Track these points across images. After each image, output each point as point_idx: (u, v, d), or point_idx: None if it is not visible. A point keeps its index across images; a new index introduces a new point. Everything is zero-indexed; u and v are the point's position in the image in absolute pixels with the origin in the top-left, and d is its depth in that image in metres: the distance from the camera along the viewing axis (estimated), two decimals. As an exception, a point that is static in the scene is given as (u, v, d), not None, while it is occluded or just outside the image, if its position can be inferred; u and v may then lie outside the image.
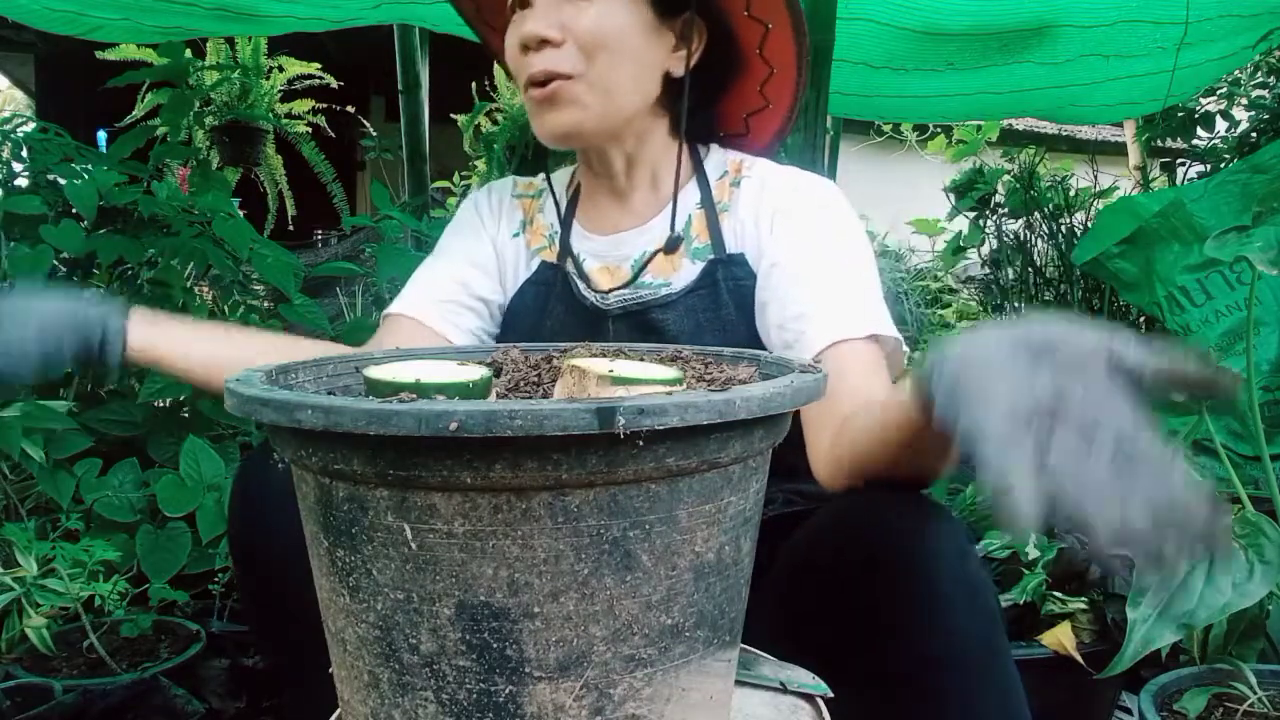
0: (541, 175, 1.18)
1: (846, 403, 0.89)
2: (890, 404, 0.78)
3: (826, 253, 1.00)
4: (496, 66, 2.61)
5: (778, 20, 1.04)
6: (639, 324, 1.04)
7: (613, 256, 1.08)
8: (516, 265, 1.14)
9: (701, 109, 1.08)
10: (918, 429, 0.71)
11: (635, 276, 1.05)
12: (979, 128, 3.63)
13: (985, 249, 3.53)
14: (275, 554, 0.84)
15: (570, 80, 0.96)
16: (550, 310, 1.09)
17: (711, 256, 1.04)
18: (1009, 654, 0.79)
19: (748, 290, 1.02)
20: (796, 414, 0.58)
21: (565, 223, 1.12)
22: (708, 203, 1.06)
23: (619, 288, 1.06)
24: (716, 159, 1.11)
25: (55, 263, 1.76)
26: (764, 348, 1.00)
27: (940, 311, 4.67)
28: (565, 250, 1.10)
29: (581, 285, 1.08)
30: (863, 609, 0.79)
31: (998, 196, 3.38)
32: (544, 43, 0.95)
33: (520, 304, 1.12)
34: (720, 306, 1.02)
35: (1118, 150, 5.43)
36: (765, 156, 1.13)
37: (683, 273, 1.05)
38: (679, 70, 1.03)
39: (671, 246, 1.04)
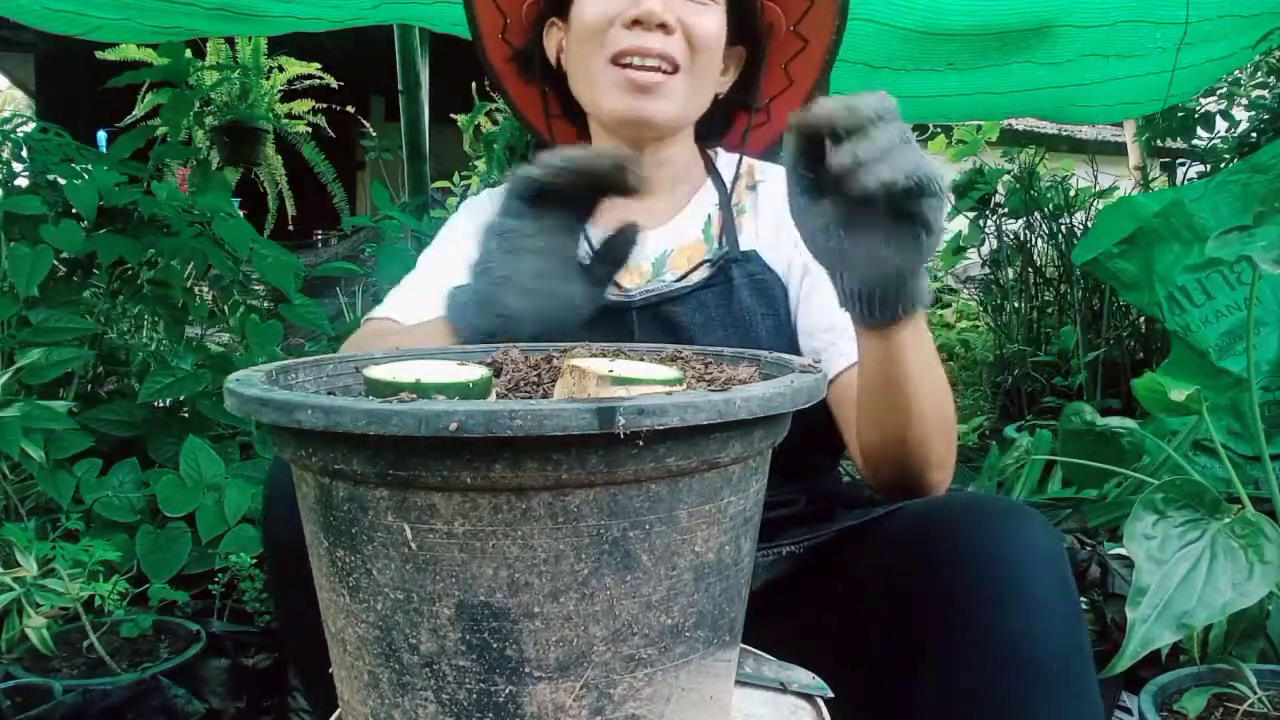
0: None
1: None
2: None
3: None
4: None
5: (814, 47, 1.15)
6: (655, 317, 1.05)
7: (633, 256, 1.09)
8: None
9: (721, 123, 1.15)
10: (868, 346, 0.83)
11: (687, 278, 1.06)
12: (979, 128, 3.63)
13: (985, 249, 3.53)
14: (294, 546, 0.83)
15: (674, 75, 1.00)
16: None
17: (725, 254, 1.06)
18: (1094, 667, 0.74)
19: (764, 285, 1.04)
20: (804, 413, 0.58)
21: None
22: (725, 204, 1.09)
23: (643, 284, 1.07)
24: (725, 161, 1.14)
25: (55, 263, 1.76)
26: (782, 340, 1.03)
27: (940, 311, 4.67)
28: None
29: None
30: (950, 611, 0.74)
31: (998, 196, 3.39)
32: (661, 27, 0.98)
33: None
34: (732, 302, 1.03)
35: (1118, 150, 5.43)
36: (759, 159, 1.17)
37: (700, 270, 1.07)
38: (723, 91, 1.11)
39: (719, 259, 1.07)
